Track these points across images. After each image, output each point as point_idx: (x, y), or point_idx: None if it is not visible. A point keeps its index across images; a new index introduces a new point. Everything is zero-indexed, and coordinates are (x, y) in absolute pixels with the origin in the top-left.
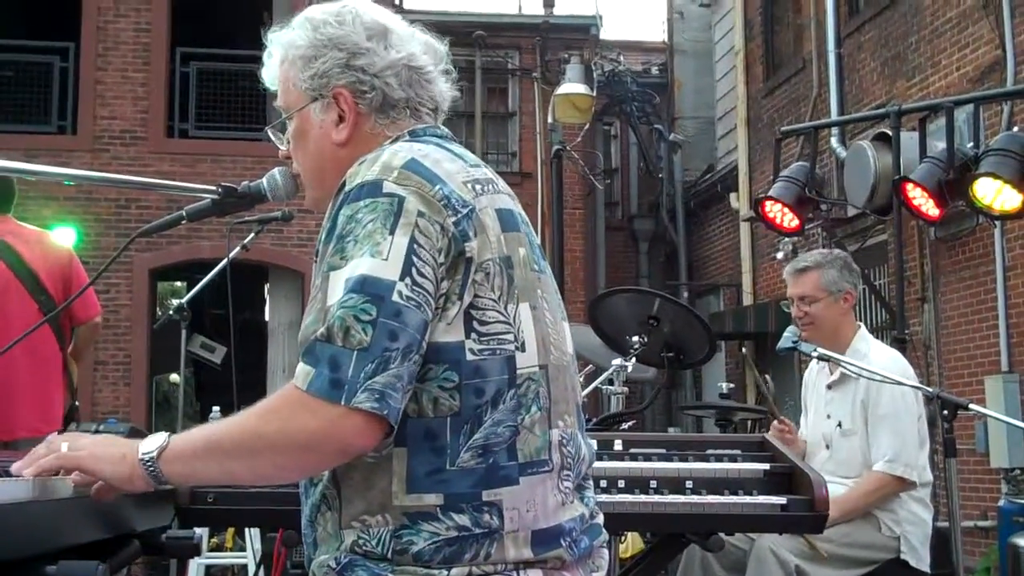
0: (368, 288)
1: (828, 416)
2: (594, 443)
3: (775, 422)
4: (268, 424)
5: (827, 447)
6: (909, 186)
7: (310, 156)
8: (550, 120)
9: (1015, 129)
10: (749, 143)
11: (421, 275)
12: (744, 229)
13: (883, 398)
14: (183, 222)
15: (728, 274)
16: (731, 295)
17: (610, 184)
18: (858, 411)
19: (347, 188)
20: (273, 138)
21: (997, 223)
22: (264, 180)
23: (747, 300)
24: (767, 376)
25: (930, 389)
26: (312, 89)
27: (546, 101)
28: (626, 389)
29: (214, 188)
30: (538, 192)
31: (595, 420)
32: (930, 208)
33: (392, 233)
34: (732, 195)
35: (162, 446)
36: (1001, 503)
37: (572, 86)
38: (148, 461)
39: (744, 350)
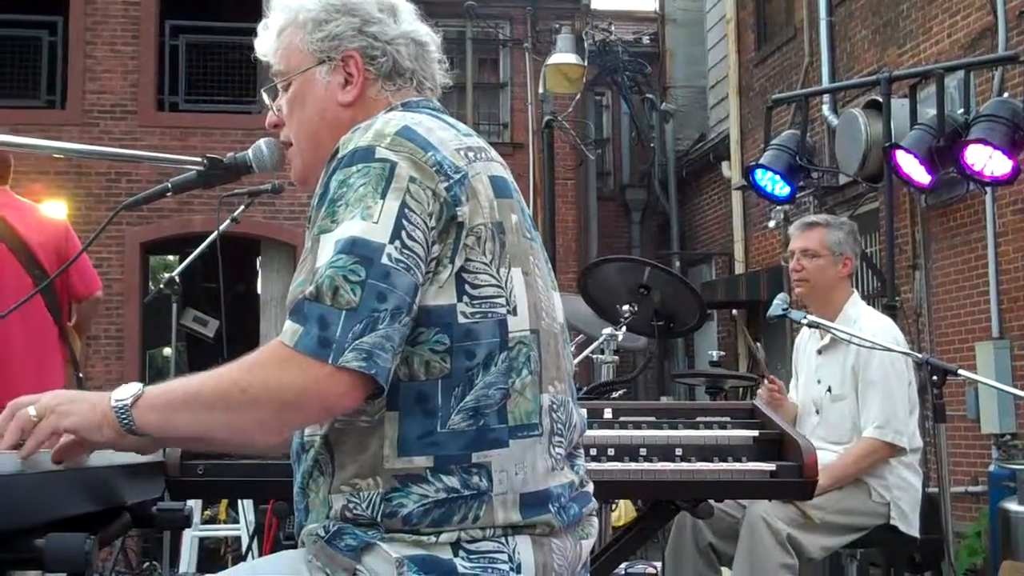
0: (358, 250)
1: (818, 381)
2: (584, 412)
3: (764, 382)
4: (252, 378)
5: (817, 412)
6: (899, 153)
7: (311, 118)
8: (541, 91)
9: (1005, 95)
10: (741, 112)
11: (411, 238)
12: (736, 198)
13: (873, 364)
14: (168, 194)
15: (720, 243)
16: (723, 264)
17: (602, 154)
18: (848, 376)
19: (340, 154)
20: (267, 99)
21: (988, 189)
22: (250, 151)
23: (739, 269)
24: (758, 343)
25: (919, 355)
26: (320, 51)
27: (537, 71)
28: (617, 358)
29: (199, 160)
30: (530, 163)
31: (585, 389)
32: (920, 175)
33: (383, 197)
34: (724, 164)
35: (136, 394)
36: (991, 468)
37: (563, 56)
38: (121, 409)
39: (736, 315)
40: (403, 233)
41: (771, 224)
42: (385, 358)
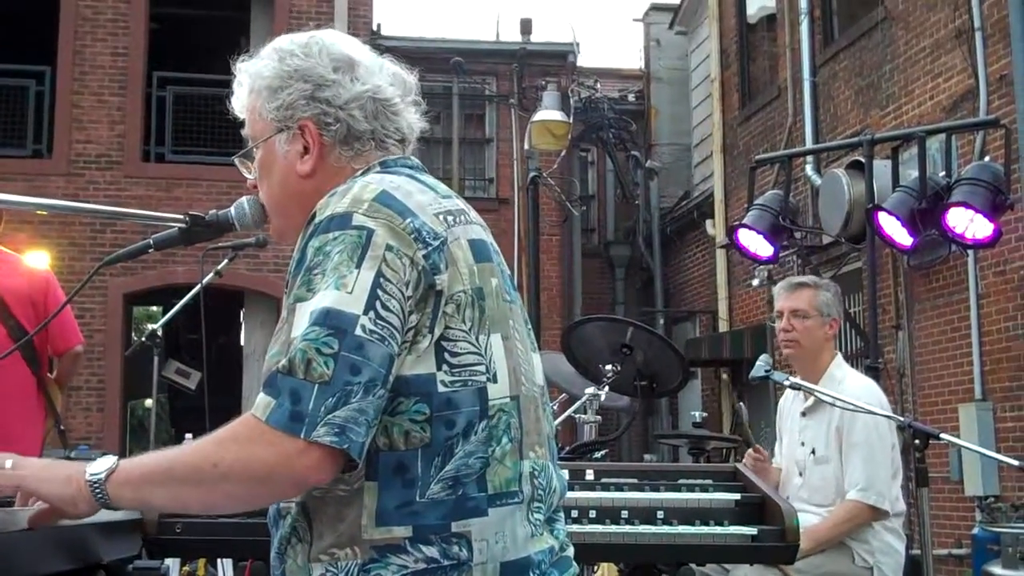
0: (331, 321)
1: (802, 443)
2: (566, 473)
3: (750, 450)
4: (224, 454)
5: (800, 474)
6: (882, 215)
7: (275, 186)
8: (526, 147)
9: (986, 159)
10: (725, 170)
11: (387, 308)
12: (720, 256)
13: (856, 426)
14: (150, 251)
15: (704, 301)
16: (707, 321)
17: (586, 211)
18: (832, 438)
19: (317, 220)
20: (240, 167)
21: (969, 252)
22: (232, 209)
23: (723, 327)
24: (742, 403)
25: (902, 418)
26: (278, 120)
27: (523, 127)
28: (599, 418)
29: (181, 217)
30: (515, 218)
31: (568, 449)
32: (902, 237)
33: (359, 266)
34: (708, 222)
35: (111, 468)
36: (975, 531)
37: (549, 112)
38: (95, 483)
39: (741, 405)
40: (378, 303)
41: (755, 283)
42: (358, 432)
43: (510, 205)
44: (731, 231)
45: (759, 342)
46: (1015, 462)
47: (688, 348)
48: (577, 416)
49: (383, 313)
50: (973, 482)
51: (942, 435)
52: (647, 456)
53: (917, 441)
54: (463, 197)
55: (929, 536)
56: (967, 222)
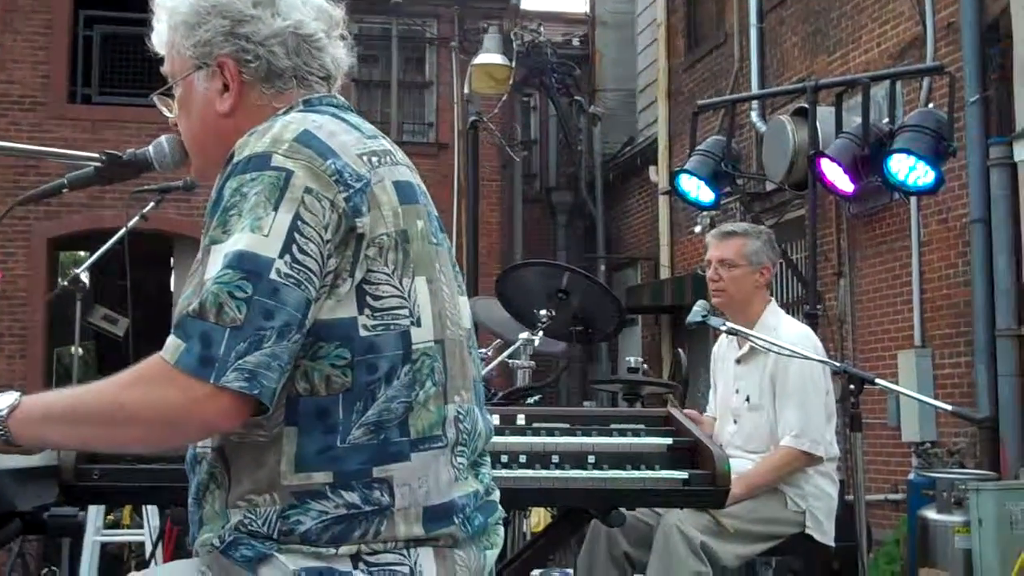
0: (245, 264)
1: (736, 390)
2: (495, 418)
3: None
4: (131, 395)
5: (735, 421)
6: (824, 161)
7: (194, 125)
8: (467, 91)
9: (930, 106)
10: (669, 116)
11: (304, 252)
12: (663, 203)
13: (790, 373)
14: (65, 190)
15: (646, 247)
16: (649, 269)
17: (528, 156)
18: (766, 385)
19: (235, 159)
20: (160, 105)
21: (912, 199)
22: (151, 148)
23: (664, 274)
24: (680, 350)
25: (837, 364)
26: (196, 57)
27: (463, 71)
28: (533, 363)
29: (98, 156)
30: (455, 163)
31: (501, 395)
32: (844, 183)
33: (276, 209)
34: (651, 168)
35: (12, 405)
36: (911, 476)
37: (490, 56)
38: None
39: (680, 351)
40: (295, 247)
41: (697, 229)
42: (270, 377)
43: (450, 150)
44: (672, 177)
45: (700, 289)
46: (948, 407)
47: (629, 295)
48: (511, 361)
49: (300, 257)
50: (910, 428)
51: (877, 380)
52: (586, 403)
53: (852, 386)
54: (402, 142)
55: (862, 481)
56: (908, 169)
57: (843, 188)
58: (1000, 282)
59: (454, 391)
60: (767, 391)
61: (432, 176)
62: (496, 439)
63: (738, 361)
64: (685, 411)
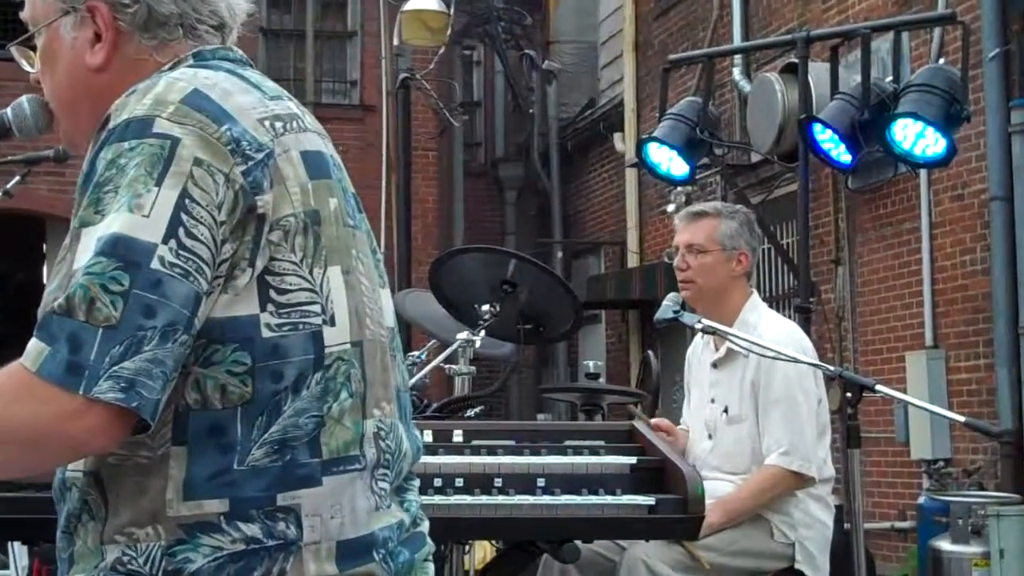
0: (121, 251)
1: (712, 400)
2: (426, 435)
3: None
4: None
5: (710, 436)
6: (817, 127)
7: (61, 82)
8: (396, 42)
9: (941, 62)
10: (637, 74)
11: (192, 237)
12: (630, 177)
13: (775, 379)
14: None
15: (611, 230)
16: (614, 255)
17: (470, 121)
18: (747, 394)
19: (111, 124)
20: (19, 58)
21: (922, 173)
22: (8, 110)
23: (632, 261)
24: (651, 352)
25: (831, 368)
26: (62, 0)
27: (393, 19)
28: (473, 368)
29: None
30: (382, 129)
31: (435, 406)
32: (841, 154)
33: (159, 184)
34: (616, 136)
35: None
36: (921, 500)
37: (424, 1)
38: None
39: (650, 354)
40: (182, 230)
41: (670, 209)
42: (152, 387)
43: (377, 113)
44: (640, 147)
45: (675, 280)
46: (960, 418)
47: (591, 287)
48: (448, 366)
49: (188, 242)
50: (921, 444)
51: (878, 387)
52: (540, 416)
53: (849, 395)
54: (319, 104)
55: (862, 506)
56: (915, 136)
57: (840, 159)
58: (1022, 271)
59: (374, 403)
60: (748, 400)
61: (355, 145)
62: (427, 459)
63: (714, 365)
64: (655, 421)
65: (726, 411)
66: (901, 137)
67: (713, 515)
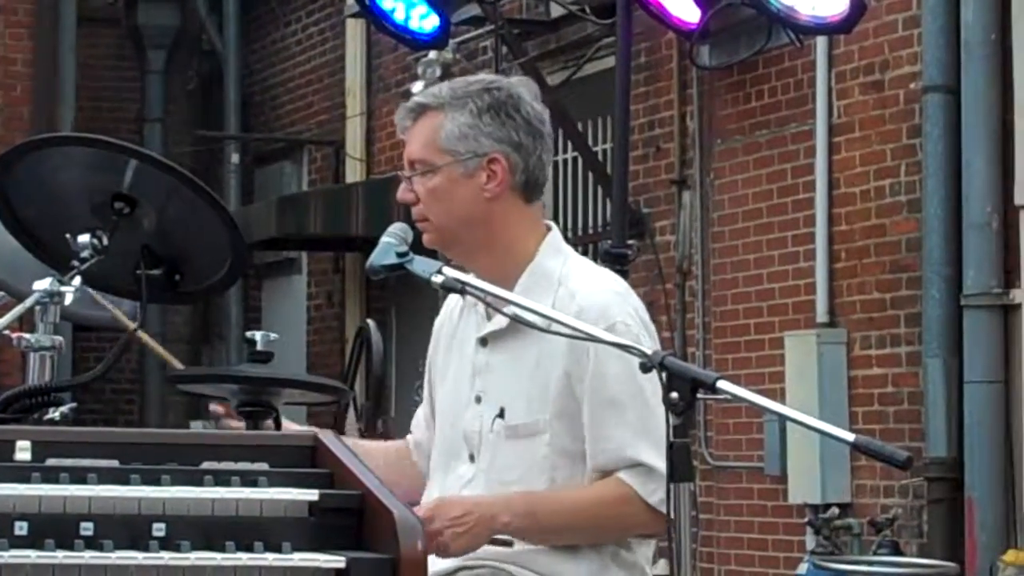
0: None
1: (477, 397)
2: None
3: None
4: None
5: (472, 458)
6: None
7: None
8: None
9: None
10: None
11: None
12: (352, 32)
13: (610, 367)
14: None
15: (320, 121)
16: (325, 163)
17: None
18: (551, 390)
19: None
20: None
21: (815, 44)
22: None
23: (355, 173)
24: (371, 321)
25: (648, 351)
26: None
27: None
28: (61, 340)
29: None
30: None
31: None
32: (684, 8)
33: None
34: None
35: None
36: (802, 569)
37: None
38: None
39: (370, 322)
40: None
41: (416, 88)
42: None
43: None
44: None
45: None
46: (849, 437)
47: (284, 212)
48: (17, 337)
49: None
50: (804, 480)
51: (721, 383)
52: (197, 424)
53: (675, 394)
54: None
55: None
56: None
57: (684, 18)
58: (972, 205)
59: None
60: (552, 401)
61: None
62: None
63: (483, 342)
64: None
65: (501, 415)
66: None
67: (505, 514)
